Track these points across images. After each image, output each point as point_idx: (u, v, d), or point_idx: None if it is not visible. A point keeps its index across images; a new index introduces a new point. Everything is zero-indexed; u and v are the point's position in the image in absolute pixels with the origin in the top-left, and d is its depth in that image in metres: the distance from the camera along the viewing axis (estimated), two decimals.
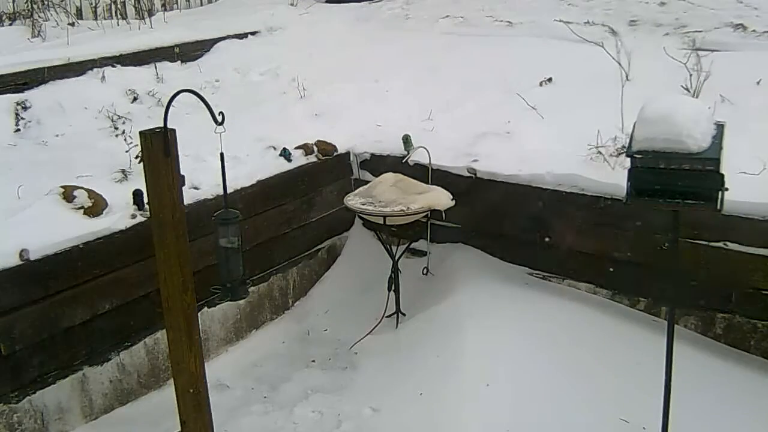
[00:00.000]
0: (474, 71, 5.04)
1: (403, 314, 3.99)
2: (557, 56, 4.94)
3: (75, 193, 3.31)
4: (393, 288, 3.97)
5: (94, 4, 5.86)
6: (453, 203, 3.87)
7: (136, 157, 3.32)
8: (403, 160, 4.23)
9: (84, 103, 4.29)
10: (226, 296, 2.80)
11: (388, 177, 4.08)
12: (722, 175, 2.24)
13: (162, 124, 2.40)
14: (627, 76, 4.20)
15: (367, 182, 4.24)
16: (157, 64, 4.95)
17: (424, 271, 4.22)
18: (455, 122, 4.48)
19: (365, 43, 5.86)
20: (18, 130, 3.95)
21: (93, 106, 4.29)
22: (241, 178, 3.88)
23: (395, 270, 3.95)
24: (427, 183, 4.09)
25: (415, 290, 4.10)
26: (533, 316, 3.56)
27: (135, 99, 4.53)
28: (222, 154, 2.60)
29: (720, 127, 2.34)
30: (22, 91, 4.20)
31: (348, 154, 4.58)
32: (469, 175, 4.03)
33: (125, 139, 3.72)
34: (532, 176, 3.81)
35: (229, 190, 2.75)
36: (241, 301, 3.86)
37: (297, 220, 4.31)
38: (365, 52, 5.67)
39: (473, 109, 4.58)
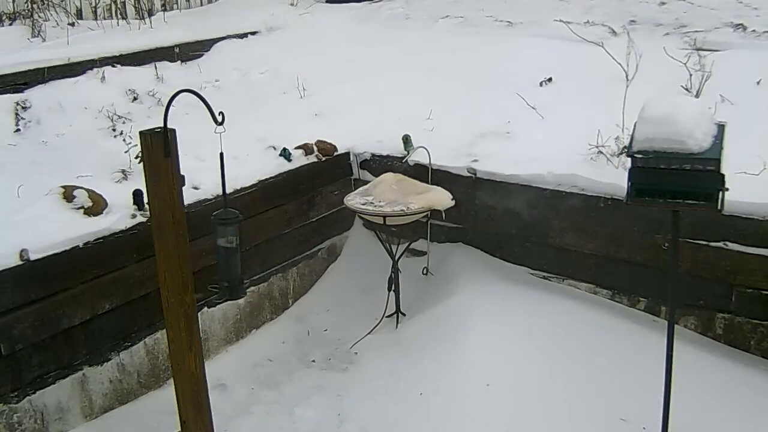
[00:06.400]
0: (474, 71, 5.04)
1: (403, 314, 3.99)
2: (557, 56, 4.94)
3: (75, 193, 3.31)
4: (393, 288, 3.97)
5: (94, 4, 5.86)
6: (453, 203, 3.87)
7: (136, 157, 3.32)
8: (403, 160, 4.24)
9: (84, 103, 4.29)
10: (224, 295, 2.80)
11: (388, 177, 4.08)
12: (723, 175, 2.24)
13: (162, 124, 2.40)
14: (627, 76, 4.20)
15: (367, 182, 4.24)
16: (157, 64, 4.96)
17: (424, 271, 4.22)
18: (455, 122, 4.48)
19: (365, 43, 5.86)
20: (18, 130, 3.95)
21: (93, 106, 4.29)
22: (241, 178, 3.88)
23: (395, 270, 3.95)
24: (427, 183, 4.09)
25: (415, 290, 4.10)
26: (533, 316, 3.56)
27: (135, 99, 4.53)
28: (222, 154, 2.61)
29: (720, 127, 2.34)
30: (22, 91, 4.20)
31: (348, 154, 4.57)
32: (469, 175, 4.03)
33: (125, 139, 3.72)
34: (532, 176, 3.81)
35: (229, 190, 2.76)
36: (241, 301, 3.87)
37: (297, 220, 4.31)
38: (365, 51, 5.67)
39: (473, 109, 4.58)
